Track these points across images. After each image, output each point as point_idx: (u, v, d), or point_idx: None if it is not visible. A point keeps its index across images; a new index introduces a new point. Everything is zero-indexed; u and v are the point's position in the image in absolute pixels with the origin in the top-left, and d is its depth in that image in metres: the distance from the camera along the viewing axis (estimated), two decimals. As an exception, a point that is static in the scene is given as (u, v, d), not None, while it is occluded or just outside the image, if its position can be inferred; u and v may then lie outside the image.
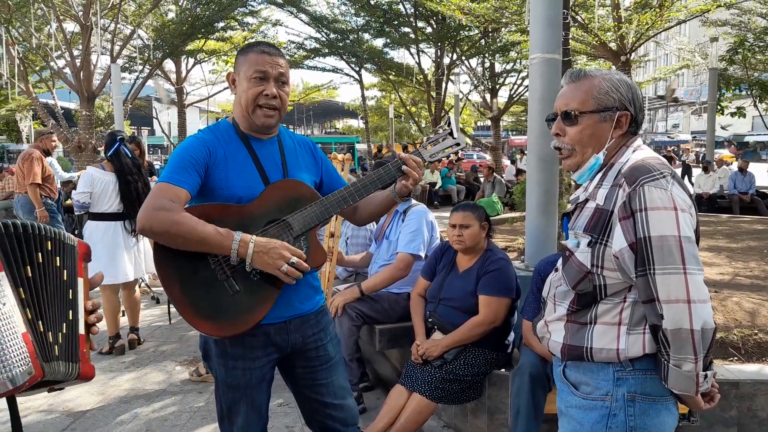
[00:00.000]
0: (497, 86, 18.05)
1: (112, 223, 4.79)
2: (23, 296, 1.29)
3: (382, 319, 3.69)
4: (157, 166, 18.32)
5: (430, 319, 3.21)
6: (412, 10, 16.66)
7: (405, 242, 3.62)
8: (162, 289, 6.26)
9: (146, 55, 14.65)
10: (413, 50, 17.65)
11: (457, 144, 2.18)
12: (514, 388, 2.73)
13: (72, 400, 3.90)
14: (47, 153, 7.14)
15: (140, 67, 15.54)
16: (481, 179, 15.44)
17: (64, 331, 1.37)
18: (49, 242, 1.37)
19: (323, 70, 21.61)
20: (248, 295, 1.85)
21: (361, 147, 27.71)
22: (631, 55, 10.81)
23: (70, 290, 1.41)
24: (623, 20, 10.23)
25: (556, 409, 2.61)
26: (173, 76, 19.66)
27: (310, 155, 2.19)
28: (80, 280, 1.44)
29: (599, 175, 1.61)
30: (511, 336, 3.23)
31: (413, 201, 3.90)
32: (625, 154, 1.60)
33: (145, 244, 5.04)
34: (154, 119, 26.02)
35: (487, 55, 16.91)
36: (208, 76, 21.53)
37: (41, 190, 6.87)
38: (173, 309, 5.69)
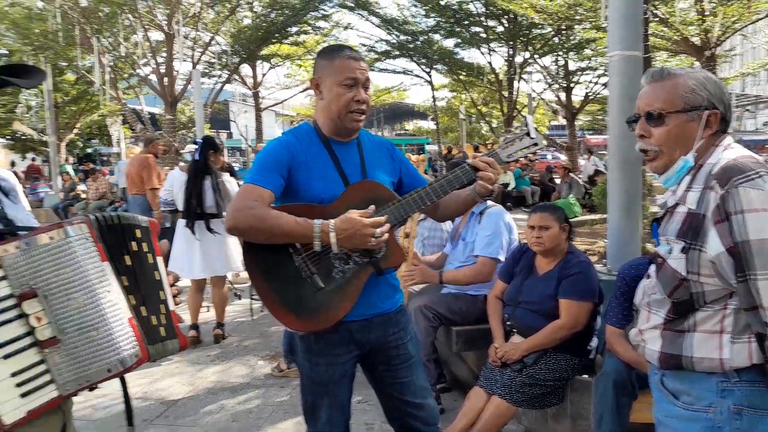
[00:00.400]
0: (571, 84, 17.60)
1: (184, 220, 5.03)
2: (126, 284, 1.41)
3: (458, 320, 3.70)
4: (235, 168, 19.00)
5: (508, 322, 3.20)
6: (483, 10, 16.52)
7: (483, 245, 3.60)
8: (243, 285, 6.49)
9: (224, 60, 15.26)
10: (484, 50, 17.49)
11: (535, 144, 2.17)
12: (598, 394, 2.68)
13: (165, 389, 4.13)
14: (156, 156, 7.62)
15: (219, 72, 16.20)
16: (557, 180, 15.09)
17: (162, 311, 1.49)
18: (138, 230, 1.48)
19: (393, 72, 21.79)
20: (331, 293, 1.93)
21: (431, 148, 27.67)
22: (716, 50, 10.28)
23: (155, 271, 1.53)
24: (707, 13, 9.75)
25: (641, 417, 2.57)
26: (249, 81, 20.33)
27: (388, 156, 2.23)
28: (159, 259, 1.55)
29: (688, 177, 1.55)
30: (594, 341, 3.17)
31: (489, 202, 3.88)
32: (714, 155, 1.54)
33: (228, 244, 5.17)
34: (231, 122, 26.98)
35: (560, 53, 16.53)
36: (283, 80, 22.12)
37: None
38: (255, 305, 5.94)
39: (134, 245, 1.45)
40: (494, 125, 21.96)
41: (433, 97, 22.40)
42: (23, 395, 1.25)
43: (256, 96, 20.25)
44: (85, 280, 1.30)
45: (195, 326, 5.15)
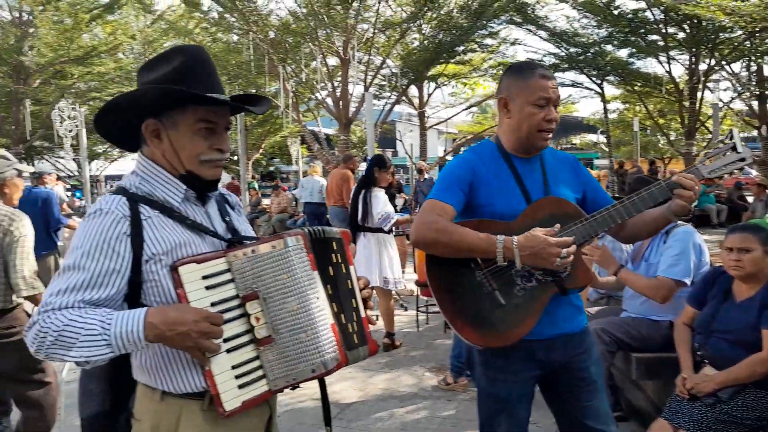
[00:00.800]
0: (766, 92, 15.68)
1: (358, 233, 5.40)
2: (330, 292, 1.53)
3: (638, 346, 3.47)
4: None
5: (699, 352, 2.94)
6: (662, 17, 15.39)
7: (667, 265, 3.34)
8: (409, 297, 6.69)
9: (393, 82, 15.89)
10: (662, 58, 16.27)
11: (742, 159, 2.00)
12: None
13: (338, 393, 4.39)
14: (352, 171, 8.50)
15: (388, 94, 16.90)
16: (749, 198, 13.51)
17: (356, 319, 1.60)
18: (334, 242, 1.60)
19: (562, 85, 21.01)
20: (513, 310, 1.92)
21: (600, 162, 26.24)
22: None
23: (349, 280, 1.63)
24: None
25: None
26: (416, 101, 20.93)
27: (572, 172, 2.18)
28: (352, 268, 1.65)
29: None
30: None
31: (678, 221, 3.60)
32: None
33: (383, 257, 5.37)
34: (397, 141, 27.96)
35: (753, 57, 14.84)
36: (447, 99, 22.47)
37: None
38: (421, 317, 6.10)
39: (333, 257, 1.58)
40: (673, 138, 20.25)
41: (605, 109, 21.26)
42: (240, 386, 1.40)
43: (421, 115, 20.77)
44: (299, 286, 1.45)
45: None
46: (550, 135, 2.03)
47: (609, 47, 17.86)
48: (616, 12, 15.86)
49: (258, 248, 1.44)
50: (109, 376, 1.50)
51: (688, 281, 3.30)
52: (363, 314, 1.63)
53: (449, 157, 22.03)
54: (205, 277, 1.39)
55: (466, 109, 22.94)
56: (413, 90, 20.54)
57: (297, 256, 1.46)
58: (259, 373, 1.43)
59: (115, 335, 1.29)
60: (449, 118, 22.59)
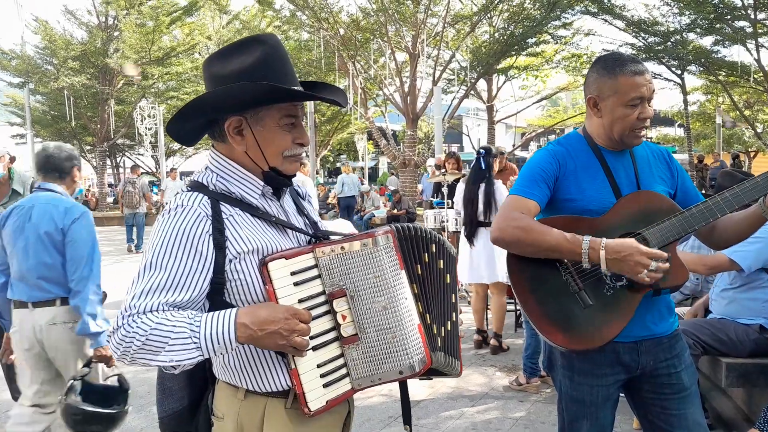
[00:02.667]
0: None
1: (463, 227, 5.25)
2: (416, 291, 1.48)
3: (726, 350, 3.27)
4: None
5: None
6: (751, 1, 14.49)
7: (736, 248, 3.10)
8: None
9: (462, 76, 15.73)
10: (750, 45, 15.32)
11: None
12: None
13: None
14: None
15: (456, 88, 16.76)
16: None
17: (448, 328, 1.54)
18: (434, 245, 1.55)
19: (639, 76, 20.15)
20: (601, 311, 1.83)
21: (677, 157, 25.02)
22: None
23: (453, 294, 1.58)
24: None
25: None
26: (484, 95, 20.65)
27: (665, 165, 2.06)
28: (448, 268, 1.59)
29: None
30: None
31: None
32: None
33: (496, 252, 5.06)
34: (464, 135, 27.69)
35: None
36: (517, 92, 22.05)
37: None
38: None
39: (426, 257, 1.53)
40: (760, 130, 19.07)
41: (685, 101, 20.26)
42: (325, 385, 1.38)
43: (490, 109, 20.48)
44: (387, 285, 1.40)
45: (478, 330, 5.38)
46: (644, 131, 1.91)
47: (691, 35, 17.01)
48: (699, -2, 15.07)
49: (347, 245, 1.40)
50: (187, 373, 1.47)
51: (744, 266, 3.08)
52: (460, 333, 1.58)
53: (520, 152, 21.59)
54: (293, 273, 1.37)
55: (537, 102, 22.38)
56: (482, 83, 20.29)
57: (387, 255, 1.41)
58: (343, 371, 1.41)
59: (205, 338, 1.27)
60: (519, 112, 22.14)
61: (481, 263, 5.10)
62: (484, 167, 5.12)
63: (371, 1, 13.88)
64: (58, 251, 2.83)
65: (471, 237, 5.12)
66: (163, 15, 20.22)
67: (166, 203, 1.52)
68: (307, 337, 1.33)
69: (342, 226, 1.54)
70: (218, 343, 1.27)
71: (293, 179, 1.55)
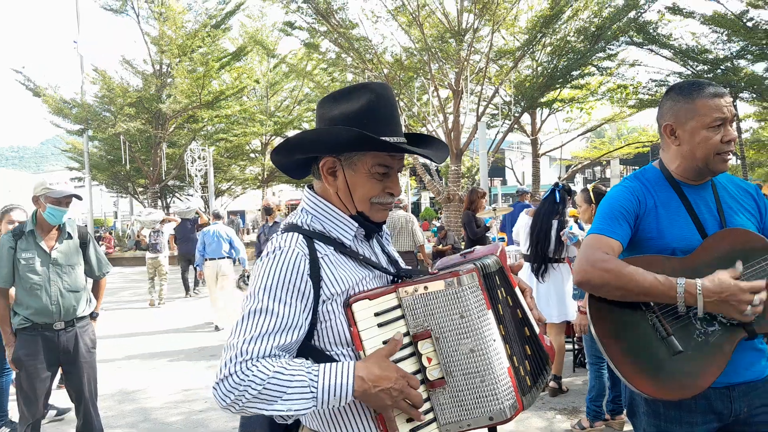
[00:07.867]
0: None
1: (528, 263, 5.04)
2: (503, 333, 1.41)
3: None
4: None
5: None
6: (805, 25, 14.08)
7: None
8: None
9: (506, 110, 15.69)
10: (807, 70, 14.83)
11: None
12: None
13: None
14: None
15: (500, 122, 16.71)
16: None
17: (527, 367, 1.46)
18: (497, 275, 1.49)
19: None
20: (693, 358, 1.72)
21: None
22: None
23: (525, 327, 1.51)
24: None
25: None
26: (528, 128, 20.53)
27: (751, 200, 1.95)
28: (519, 298, 1.53)
29: None
30: None
31: None
32: None
33: (566, 291, 4.95)
34: (507, 169, 27.51)
35: None
36: (561, 125, 21.83)
37: None
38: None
39: (499, 293, 1.47)
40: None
41: (738, 128, 19.64)
42: (411, 430, 1.33)
43: (534, 142, 20.31)
44: (474, 327, 1.34)
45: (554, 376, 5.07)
46: (731, 157, 1.83)
47: (742, 62, 16.58)
48: (750, 24, 14.72)
49: (430, 285, 1.35)
50: (269, 420, 1.45)
51: None
52: (528, 353, 1.49)
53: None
54: (377, 314, 1.34)
55: (581, 134, 22.10)
56: (525, 117, 20.19)
57: (473, 295, 1.35)
58: (430, 416, 1.35)
59: (323, 389, 1.25)
60: (563, 145, 21.89)
61: (551, 301, 4.93)
62: (558, 201, 4.94)
63: (415, 41, 14.10)
64: None
65: (541, 273, 4.94)
66: (213, 61, 21.00)
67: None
68: (421, 409, 1.31)
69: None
70: (334, 396, 1.26)
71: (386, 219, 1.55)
